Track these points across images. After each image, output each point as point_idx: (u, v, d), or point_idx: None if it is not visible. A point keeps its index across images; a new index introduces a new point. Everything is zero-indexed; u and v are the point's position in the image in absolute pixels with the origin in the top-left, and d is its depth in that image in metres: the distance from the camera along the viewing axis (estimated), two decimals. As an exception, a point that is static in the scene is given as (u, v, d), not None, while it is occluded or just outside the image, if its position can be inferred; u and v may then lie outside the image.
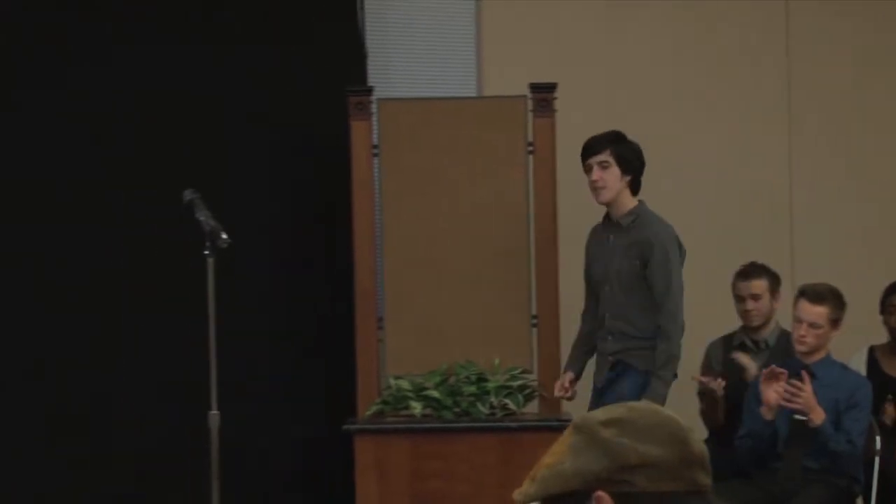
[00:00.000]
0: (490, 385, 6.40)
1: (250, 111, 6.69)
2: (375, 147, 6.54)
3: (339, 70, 6.76)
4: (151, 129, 6.59)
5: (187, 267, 5.83)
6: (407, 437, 6.27)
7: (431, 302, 6.51)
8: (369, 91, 6.56)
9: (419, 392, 6.39)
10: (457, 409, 6.36)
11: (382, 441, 6.26)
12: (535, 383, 6.46)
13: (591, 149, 5.99)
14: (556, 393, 6.21)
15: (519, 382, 6.43)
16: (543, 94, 6.54)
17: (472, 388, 6.38)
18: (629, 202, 6.03)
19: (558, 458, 2.19)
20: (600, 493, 2.14)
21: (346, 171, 6.50)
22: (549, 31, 7.24)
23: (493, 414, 6.36)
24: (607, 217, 6.10)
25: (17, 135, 6.44)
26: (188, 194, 5.60)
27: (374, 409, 6.37)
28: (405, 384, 6.40)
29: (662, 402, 5.80)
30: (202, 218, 5.48)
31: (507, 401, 6.36)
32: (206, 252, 5.42)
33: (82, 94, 6.52)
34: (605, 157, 5.96)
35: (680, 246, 6.02)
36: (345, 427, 6.28)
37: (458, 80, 7.24)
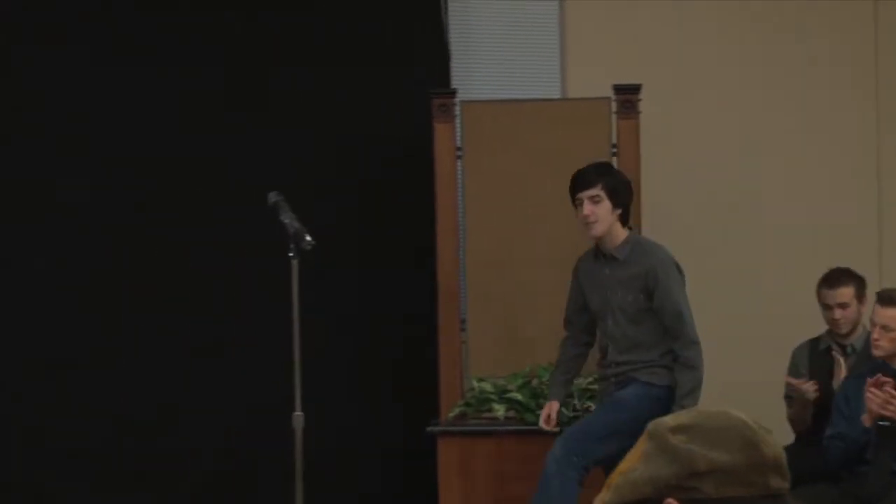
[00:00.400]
0: (573, 388, 6.37)
1: (333, 113, 6.72)
2: (459, 149, 6.54)
3: (423, 72, 6.77)
4: (236, 130, 6.63)
5: (271, 269, 5.87)
6: (490, 439, 6.26)
7: (515, 304, 6.50)
8: (453, 93, 6.56)
9: (502, 394, 6.38)
10: (539, 412, 6.34)
11: (465, 443, 6.26)
12: (619, 386, 6.42)
13: (581, 184, 5.75)
14: (541, 424, 6.00)
15: (602, 385, 6.41)
16: (627, 95, 6.51)
17: (556, 391, 6.35)
18: (621, 233, 5.81)
19: (632, 465, 2.19)
20: (670, 500, 2.13)
21: (430, 173, 6.51)
22: (633, 32, 7.20)
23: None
24: (598, 249, 5.89)
25: (116, 137, 6.52)
26: (272, 196, 5.62)
27: (456, 410, 6.38)
28: (488, 386, 6.40)
29: None
30: (287, 220, 5.50)
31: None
32: (291, 254, 5.44)
33: (177, 94, 6.59)
34: (597, 191, 5.71)
35: (679, 268, 5.88)
36: (428, 429, 6.29)
37: (542, 81, 7.21)
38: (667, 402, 5.72)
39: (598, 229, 5.75)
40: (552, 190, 6.52)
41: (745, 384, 6.46)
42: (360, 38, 6.79)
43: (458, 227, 6.51)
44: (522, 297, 6.51)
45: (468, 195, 6.56)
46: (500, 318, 6.50)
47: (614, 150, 6.52)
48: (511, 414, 6.36)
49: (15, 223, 6.47)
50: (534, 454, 6.21)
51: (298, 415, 5.51)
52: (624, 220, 5.84)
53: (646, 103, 6.52)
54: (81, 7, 6.57)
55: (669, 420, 2.18)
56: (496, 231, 6.53)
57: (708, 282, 7.00)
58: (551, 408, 6.00)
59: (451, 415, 6.38)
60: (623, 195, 5.80)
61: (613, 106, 6.54)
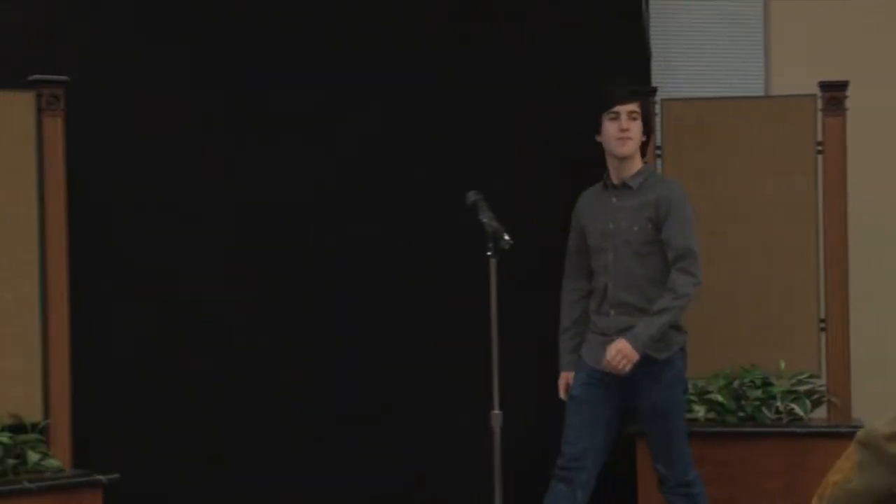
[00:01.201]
0: (776, 389, 6.29)
1: (532, 111, 6.71)
2: (658, 148, 6.49)
3: (623, 70, 6.71)
4: (433, 129, 6.66)
5: (467, 267, 5.90)
6: (690, 441, 6.19)
7: (715, 304, 6.42)
8: (653, 91, 6.51)
9: (703, 396, 6.32)
10: (741, 414, 6.28)
11: (665, 444, 6.20)
12: (824, 388, 6.31)
13: (623, 97, 5.66)
14: (562, 395, 5.82)
15: (806, 387, 6.31)
16: (834, 92, 6.39)
17: (758, 393, 6.29)
18: (638, 162, 5.70)
19: (845, 476, 2.14)
20: None
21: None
22: (839, 29, 7.06)
23: (779, 419, 6.25)
24: (608, 179, 5.73)
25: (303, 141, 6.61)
26: (472, 196, 5.63)
27: (656, 411, 6.33)
28: (688, 387, 6.34)
29: (642, 348, 5.43)
30: (485, 220, 5.50)
31: (793, 406, 6.25)
32: (489, 253, 5.44)
33: (367, 96, 6.65)
34: (636, 108, 5.66)
35: (692, 208, 5.66)
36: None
37: (745, 78, 7.14)
38: (682, 363, 5.64)
39: (632, 147, 5.64)
40: (755, 188, 6.45)
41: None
42: (559, 35, 6.76)
43: (658, 227, 6.46)
44: (724, 297, 6.43)
45: (669, 194, 6.50)
46: (700, 318, 6.42)
47: (819, 147, 6.41)
48: (712, 416, 6.30)
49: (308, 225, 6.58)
50: (735, 457, 6.16)
51: (497, 413, 5.51)
52: (643, 150, 5.76)
53: (851, 101, 6.38)
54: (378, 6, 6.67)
55: (883, 427, 2.12)
56: (698, 231, 6.46)
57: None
58: (567, 378, 5.81)
59: (651, 415, 6.33)
60: (651, 123, 5.80)
61: (819, 103, 6.42)
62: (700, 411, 6.26)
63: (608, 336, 5.57)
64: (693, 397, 6.29)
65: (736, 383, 6.35)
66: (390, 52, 6.64)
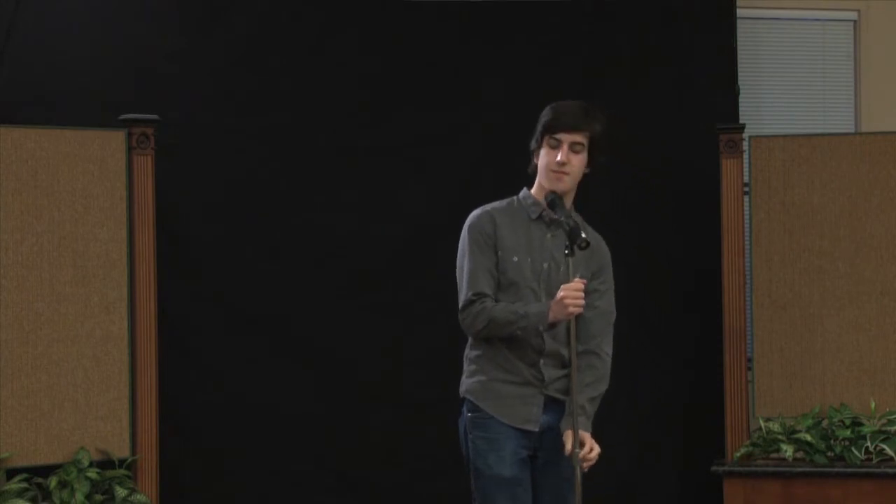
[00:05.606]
0: (865, 429, 6.22)
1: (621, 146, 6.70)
2: (746, 185, 6.45)
3: (711, 106, 6.69)
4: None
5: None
6: (777, 480, 6.16)
7: (803, 342, 6.37)
8: (741, 128, 6.47)
9: (790, 435, 6.27)
10: (830, 454, 6.21)
11: (752, 484, 6.18)
12: (916, 429, 6.24)
13: (567, 123, 4.44)
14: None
15: (897, 427, 6.24)
16: (926, 128, 6.33)
17: (847, 433, 6.22)
18: (571, 198, 4.58)
19: None
20: None
21: (716, 208, 6.43)
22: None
23: (868, 459, 6.17)
24: (544, 211, 4.54)
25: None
26: (549, 195, 5.57)
27: (743, 451, 6.28)
28: (775, 427, 6.30)
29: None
30: (562, 217, 5.43)
31: (883, 446, 6.17)
32: (566, 252, 5.31)
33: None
34: (581, 138, 4.45)
35: None
36: (713, 468, 6.21)
37: (837, 113, 7.09)
38: None
39: (568, 183, 4.51)
40: (848, 226, 6.38)
41: None
42: (648, 72, 6.76)
43: (744, 264, 6.41)
44: (812, 336, 6.37)
45: (756, 231, 6.45)
46: (787, 356, 6.38)
47: (911, 184, 6.36)
48: (800, 455, 6.24)
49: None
50: (824, 498, 6.10)
51: (577, 452, 5.50)
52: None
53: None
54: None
55: None
56: (785, 268, 6.41)
57: None
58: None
59: (738, 455, 6.29)
60: (599, 153, 4.54)
61: (906, 139, 6.37)
62: (788, 451, 6.20)
63: (535, 386, 4.50)
64: (780, 436, 6.24)
65: (825, 423, 6.29)
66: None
